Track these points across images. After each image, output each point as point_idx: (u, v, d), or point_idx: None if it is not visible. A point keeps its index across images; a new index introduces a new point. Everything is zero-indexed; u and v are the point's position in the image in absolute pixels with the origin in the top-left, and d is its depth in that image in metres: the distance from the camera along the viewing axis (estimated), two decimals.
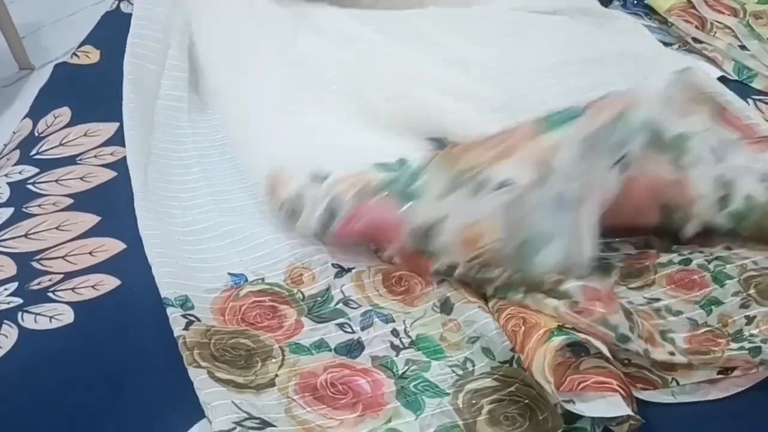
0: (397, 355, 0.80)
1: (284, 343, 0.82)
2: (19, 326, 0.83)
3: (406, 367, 0.79)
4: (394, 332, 0.83)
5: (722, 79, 1.18)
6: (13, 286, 0.88)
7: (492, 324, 0.80)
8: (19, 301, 0.86)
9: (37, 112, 1.15)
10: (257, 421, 0.72)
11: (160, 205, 0.98)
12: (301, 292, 0.87)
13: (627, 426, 0.70)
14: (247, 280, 0.89)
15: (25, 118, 1.14)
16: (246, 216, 0.97)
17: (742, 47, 1.21)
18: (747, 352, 0.75)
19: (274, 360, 0.80)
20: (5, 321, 0.83)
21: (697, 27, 1.24)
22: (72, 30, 2.31)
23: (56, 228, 0.95)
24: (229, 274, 0.89)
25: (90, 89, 1.19)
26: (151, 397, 0.77)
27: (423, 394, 0.76)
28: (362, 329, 0.84)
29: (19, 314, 0.84)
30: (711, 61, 1.22)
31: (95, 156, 1.06)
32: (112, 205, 0.98)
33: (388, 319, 0.84)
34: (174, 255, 0.90)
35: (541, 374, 0.70)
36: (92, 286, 0.87)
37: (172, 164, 1.05)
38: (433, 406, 0.75)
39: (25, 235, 0.94)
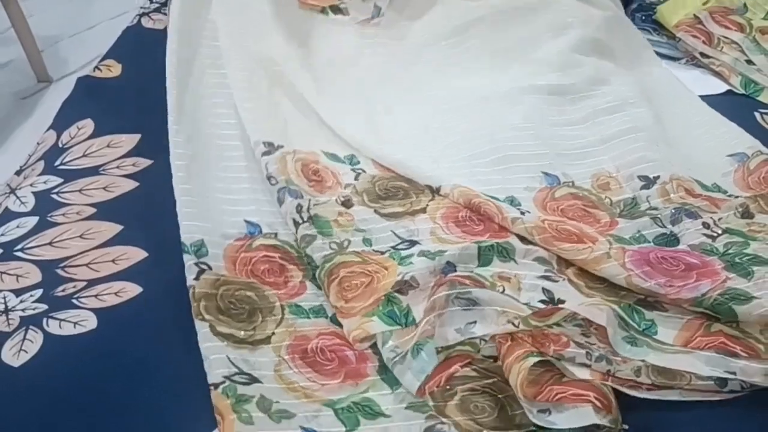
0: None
1: (286, 302, 0.86)
2: (45, 332, 0.86)
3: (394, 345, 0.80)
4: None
5: (729, 93, 1.20)
6: (39, 292, 0.91)
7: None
8: (44, 307, 0.89)
9: (60, 123, 1.17)
10: (246, 376, 0.77)
11: (198, 152, 1.03)
12: (309, 256, 0.90)
13: None
14: (261, 232, 0.93)
15: (49, 129, 1.17)
16: None
17: (749, 62, 1.23)
18: (713, 382, 0.75)
19: (273, 317, 0.84)
20: (31, 326, 0.86)
21: (704, 42, 1.26)
22: (90, 43, 2.35)
23: (80, 236, 0.98)
24: (246, 221, 0.94)
25: (112, 102, 1.21)
26: (171, 402, 0.79)
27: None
28: None
29: (44, 320, 0.87)
30: (718, 75, 1.24)
31: (117, 167, 1.08)
32: (134, 214, 1.01)
33: None
34: (200, 193, 0.96)
35: (515, 388, 0.73)
36: (115, 293, 0.90)
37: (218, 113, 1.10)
38: None
39: (50, 243, 0.97)
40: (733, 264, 0.83)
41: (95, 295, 0.90)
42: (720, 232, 0.89)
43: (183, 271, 0.91)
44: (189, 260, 0.87)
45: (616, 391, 0.76)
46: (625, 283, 0.82)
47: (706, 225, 0.90)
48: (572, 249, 0.86)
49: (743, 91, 1.20)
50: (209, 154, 1.03)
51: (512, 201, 0.96)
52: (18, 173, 1.12)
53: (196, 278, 0.85)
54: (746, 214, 0.92)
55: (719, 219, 0.91)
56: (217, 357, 0.78)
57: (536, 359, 0.75)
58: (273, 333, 0.83)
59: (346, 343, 0.82)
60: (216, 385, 0.76)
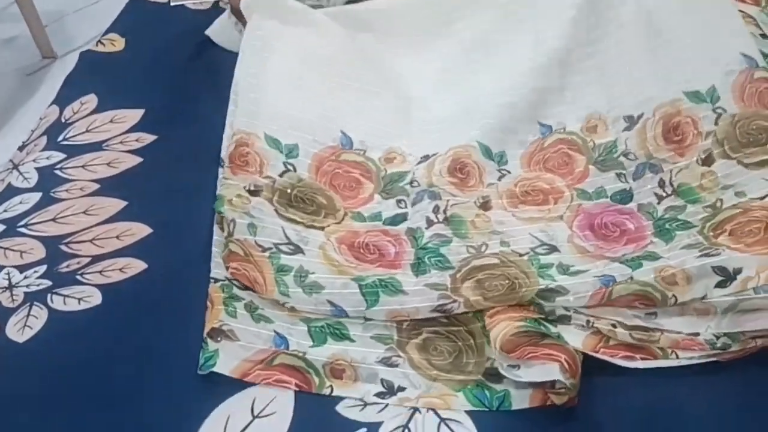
0: (427, 227, 0.91)
1: (350, 210, 0.96)
2: (49, 308, 0.85)
3: (428, 241, 0.90)
4: (435, 209, 0.93)
5: None
6: (43, 268, 0.90)
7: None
8: (48, 283, 0.88)
9: (63, 98, 1.17)
10: (292, 246, 0.89)
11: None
12: (385, 170, 1.01)
13: (566, 398, 0.73)
14: (352, 146, 1.03)
15: (51, 104, 1.16)
16: (381, 99, 1.11)
17: (764, 36, 1.20)
18: (684, 333, 0.78)
19: (334, 218, 0.95)
20: (35, 302, 0.86)
21: None
22: (94, 19, 2.32)
23: (83, 212, 0.97)
24: (342, 132, 1.04)
25: (115, 77, 1.21)
26: (175, 378, 0.79)
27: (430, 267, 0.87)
28: (412, 204, 0.96)
29: (49, 296, 0.87)
30: None
31: (121, 142, 1.08)
32: (138, 190, 1.00)
33: (434, 196, 0.95)
34: (312, 99, 1.06)
35: (494, 340, 0.77)
36: (119, 269, 0.89)
37: None
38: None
39: (54, 219, 0.96)
40: (662, 230, 0.89)
41: (100, 272, 0.89)
42: (670, 191, 0.94)
43: (188, 247, 0.92)
44: (279, 158, 0.98)
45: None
46: (566, 240, 0.90)
47: (661, 182, 0.95)
48: (531, 210, 0.95)
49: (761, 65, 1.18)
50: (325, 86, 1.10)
51: (501, 158, 1.01)
52: (21, 149, 1.11)
53: (281, 175, 0.96)
54: (708, 160, 0.94)
55: (678, 171, 0.95)
56: (271, 228, 0.89)
57: (528, 324, 0.78)
58: (328, 225, 0.93)
59: (390, 239, 0.92)
60: (216, 280, 0.86)
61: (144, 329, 0.84)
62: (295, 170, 0.97)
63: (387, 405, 0.76)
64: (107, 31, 1.31)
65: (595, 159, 1.01)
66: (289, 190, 0.95)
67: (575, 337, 0.79)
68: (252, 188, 0.93)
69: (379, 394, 0.77)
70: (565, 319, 0.81)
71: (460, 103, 1.10)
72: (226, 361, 0.79)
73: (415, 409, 0.75)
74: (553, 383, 0.73)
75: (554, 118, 1.05)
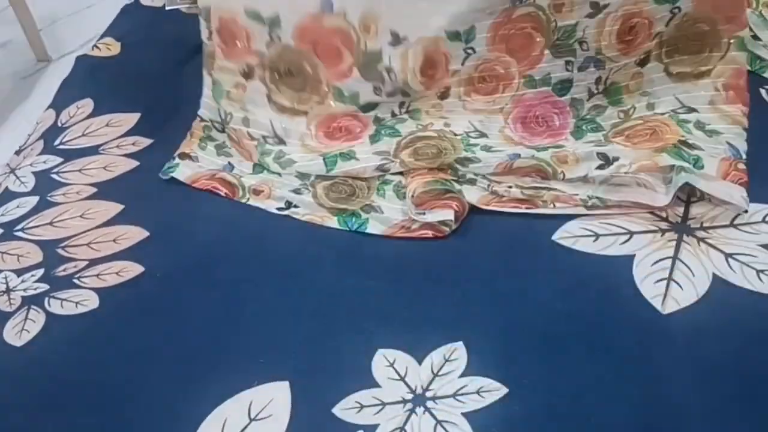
0: (391, 117, 1.06)
1: (332, 83, 1.04)
2: (46, 311, 0.86)
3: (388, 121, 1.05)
4: (401, 104, 1.06)
5: None
6: (40, 272, 0.91)
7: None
8: (45, 287, 0.89)
9: (60, 103, 1.17)
10: (277, 139, 1.05)
11: None
12: (365, 42, 1.02)
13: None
14: (332, 9, 1.02)
15: (48, 108, 1.17)
16: None
17: (755, 37, 1.21)
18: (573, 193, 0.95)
19: (317, 97, 1.05)
20: (33, 306, 0.86)
21: None
22: (88, 22, 2.32)
23: (80, 216, 0.98)
24: None
25: (111, 81, 1.21)
26: (173, 382, 0.79)
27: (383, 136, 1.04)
28: (387, 96, 1.04)
29: (46, 300, 0.87)
30: None
31: (117, 146, 1.08)
32: (134, 193, 1.00)
33: (405, 94, 1.04)
34: None
35: (409, 193, 0.96)
36: (116, 273, 0.90)
37: None
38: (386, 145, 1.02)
39: (50, 223, 0.97)
40: (578, 129, 1.03)
41: (96, 275, 0.90)
42: (602, 89, 1.05)
43: (184, 251, 0.92)
44: (263, 31, 1.03)
45: None
46: (498, 130, 1.04)
47: (598, 80, 1.05)
48: (480, 100, 1.05)
49: (749, 68, 1.18)
50: None
51: (469, 34, 1.03)
52: (18, 153, 1.11)
53: (267, 46, 1.03)
54: (644, 60, 1.04)
55: (616, 71, 1.04)
56: (262, 120, 1.05)
57: (437, 182, 0.96)
58: (312, 108, 1.05)
59: (359, 122, 1.05)
60: (202, 119, 1.06)
61: (141, 332, 0.84)
62: (280, 40, 1.03)
63: (384, 407, 0.76)
64: (103, 36, 1.31)
65: (553, 42, 1.03)
66: (279, 65, 1.04)
67: (474, 195, 0.97)
68: (245, 69, 1.05)
69: (278, 208, 0.98)
70: (471, 182, 0.99)
71: None
72: (183, 171, 1.02)
73: (412, 411, 0.76)
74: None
75: None
